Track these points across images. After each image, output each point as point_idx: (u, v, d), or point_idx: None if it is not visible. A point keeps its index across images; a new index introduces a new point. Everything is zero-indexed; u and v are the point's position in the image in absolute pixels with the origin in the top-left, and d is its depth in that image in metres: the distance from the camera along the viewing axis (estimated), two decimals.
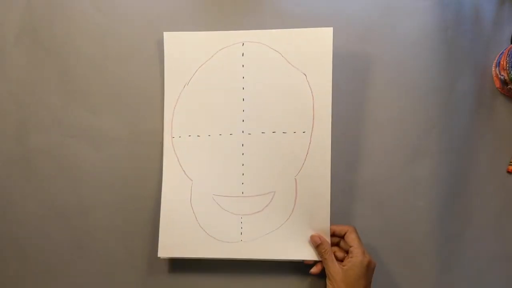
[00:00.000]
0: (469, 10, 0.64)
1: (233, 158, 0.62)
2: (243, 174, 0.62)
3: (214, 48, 0.62)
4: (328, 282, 0.57)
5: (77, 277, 0.63)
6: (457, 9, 0.63)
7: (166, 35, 0.62)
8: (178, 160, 0.62)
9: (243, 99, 0.62)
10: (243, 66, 0.62)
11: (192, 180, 0.62)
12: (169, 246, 0.61)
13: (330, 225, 0.59)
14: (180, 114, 0.62)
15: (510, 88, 0.62)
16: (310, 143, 0.61)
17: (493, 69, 0.64)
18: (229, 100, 0.62)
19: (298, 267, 0.62)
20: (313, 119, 0.61)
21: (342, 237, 0.59)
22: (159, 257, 0.61)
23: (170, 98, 0.62)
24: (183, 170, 0.62)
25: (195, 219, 0.62)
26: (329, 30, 0.60)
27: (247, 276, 0.62)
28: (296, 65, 0.61)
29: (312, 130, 0.61)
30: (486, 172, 0.64)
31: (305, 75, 0.61)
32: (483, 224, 0.63)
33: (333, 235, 0.60)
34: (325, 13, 0.63)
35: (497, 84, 0.64)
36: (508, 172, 0.64)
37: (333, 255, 0.57)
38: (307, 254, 0.61)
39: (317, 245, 0.59)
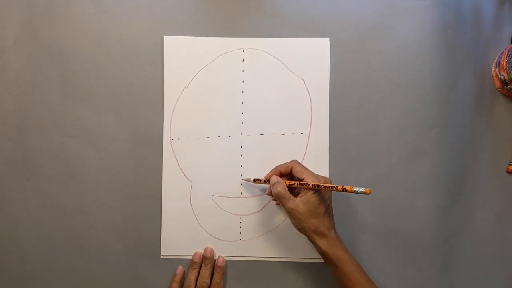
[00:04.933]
0: (469, 10, 0.63)
1: (231, 160, 0.63)
2: (241, 175, 0.62)
3: (215, 53, 0.63)
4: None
5: (77, 277, 0.63)
6: (457, 9, 0.63)
7: (166, 39, 0.63)
8: (177, 161, 0.63)
9: (243, 102, 0.63)
10: (243, 71, 0.63)
11: (191, 181, 0.63)
12: (171, 246, 0.62)
13: (275, 167, 0.58)
14: (179, 116, 0.63)
15: (510, 88, 0.62)
16: (307, 144, 0.62)
17: (493, 69, 0.64)
18: (229, 103, 0.63)
19: (297, 266, 0.62)
20: (311, 120, 0.62)
21: (290, 174, 0.58)
22: (161, 257, 0.62)
23: (169, 101, 0.63)
24: (183, 172, 0.63)
25: (195, 219, 0.63)
26: (326, 40, 0.62)
27: (247, 275, 0.63)
28: (294, 71, 0.63)
29: (310, 131, 0.62)
30: (486, 172, 0.64)
31: (303, 80, 0.63)
32: (483, 224, 0.63)
33: (281, 176, 0.58)
34: (325, 13, 0.63)
35: (497, 84, 0.64)
36: (508, 172, 0.64)
37: (288, 192, 0.55)
38: (305, 253, 0.62)
39: (273, 184, 0.56)
